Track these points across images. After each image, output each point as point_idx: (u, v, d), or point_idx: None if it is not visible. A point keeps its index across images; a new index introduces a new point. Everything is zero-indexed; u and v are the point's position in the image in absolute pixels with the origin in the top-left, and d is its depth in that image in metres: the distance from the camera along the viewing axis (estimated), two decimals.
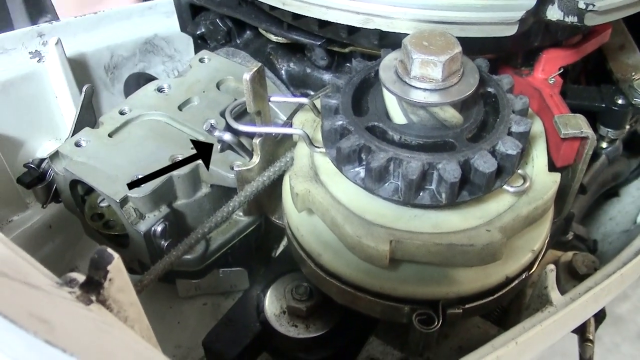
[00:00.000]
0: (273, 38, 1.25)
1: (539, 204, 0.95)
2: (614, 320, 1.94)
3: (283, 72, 1.30)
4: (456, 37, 0.92)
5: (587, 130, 0.99)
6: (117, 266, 0.66)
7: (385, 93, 0.94)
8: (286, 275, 1.12)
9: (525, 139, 0.95)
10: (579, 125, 1.00)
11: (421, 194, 0.91)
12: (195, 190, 1.14)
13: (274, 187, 1.08)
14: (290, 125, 1.06)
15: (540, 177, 0.98)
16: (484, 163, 0.89)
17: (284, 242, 1.27)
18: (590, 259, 1.26)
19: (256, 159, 1.03)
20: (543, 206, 0.96)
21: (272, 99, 1.01)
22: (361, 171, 0.93)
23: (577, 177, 1.05)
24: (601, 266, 1.23)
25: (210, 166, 1.11)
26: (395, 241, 0.90)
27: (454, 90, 0.90)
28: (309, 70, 1.29)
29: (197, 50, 1.46)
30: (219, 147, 1.12)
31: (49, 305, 0.62)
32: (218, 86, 1.27)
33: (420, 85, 0.90)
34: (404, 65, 0.91)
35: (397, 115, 0.94)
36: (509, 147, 0.91)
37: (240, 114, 1.10)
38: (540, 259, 1.03)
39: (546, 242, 1.02)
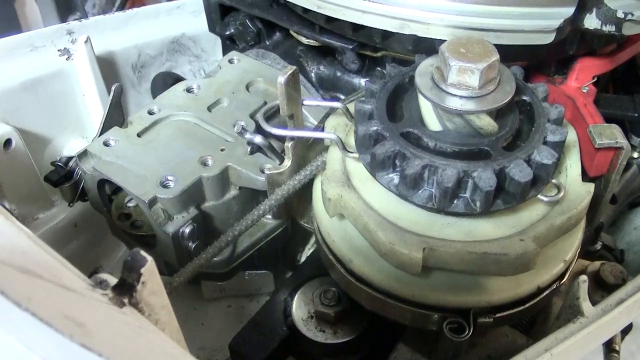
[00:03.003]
0: (304, 41, 1.26)
1: (573, 214, 0.96)
2: None
3: (313, 74, 1.31)
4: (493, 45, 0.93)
5: (622, 141, 1.00)
6: (150, 269, 0.66)
7: (421, 99, 0.94)
8: (314, 280, 1.13)
9: (561, 148, 0.95)
10: (613, 135, 1.01)
11: (455, 201, 0.91)
12: (224, 192, 1.15)
13: (304, 191, 1.08)
14: (322, 129, 1.06)
15: (574, 186, 0.98)
16: (520, 172, 0.89)
17: (309, 246, 1.28)
18: (618, 269, 1.26)
19: (288, 162, 1.04)
20: (576, 216, 0.97)
21: (305, 102, 1.02)
22: (395, 177, 0.94)
23: (610, 187, 1.05)
24: (629, 276, 1.23)
25: (240, 168, 1.12)
26: (429, 249, 0.91)
27: (490, 98, 0.91)
28: (339, 74, 1.30)
29: (225, 51, 1.47)
30: (248, 149, 1.13)
31: (84, 308, 0.63)
32: (247, 88, 1.28)
33: (456, 93, 0.90)
34: (441, 72, 0.92)
35: (432, 122, 0.95)
36: (544, 156, 0.91)
37: (270, 116, 1.11)
38: (571, 269, 1.03)
39: (577, 252, 1.03)
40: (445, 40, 0.94)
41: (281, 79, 0.95)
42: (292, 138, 1.03)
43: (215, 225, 1.18)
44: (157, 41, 1.53)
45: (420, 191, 0.92)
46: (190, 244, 1.13)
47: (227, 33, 1.42)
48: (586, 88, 1.11)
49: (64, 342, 0.55)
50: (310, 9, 1.06)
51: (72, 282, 0.65)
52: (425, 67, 0.96)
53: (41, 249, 0.70)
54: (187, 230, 1.12)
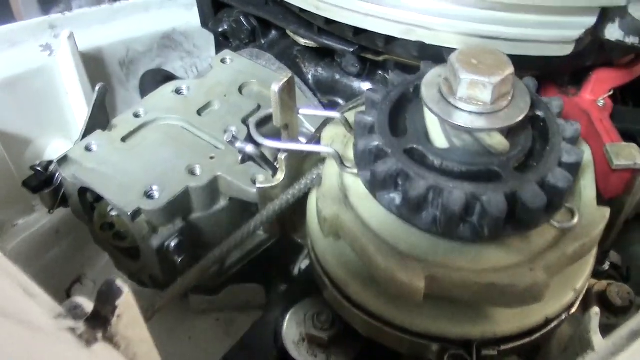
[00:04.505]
0: (301, 41, 1.18)
1: (586, 241, 0.87)
2: None
3: (310, 77, 1.23)
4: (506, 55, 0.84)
5: None
6: (127, 301, 0.60)
7: (427, 113, 0.86)
8: (307, 300, 1.04)
9: (577, 170, 0.87)
10: (632, 155, 0.92)
11: (462, 226, 0.83)
12: (213, 203, 1.07)
13: (298, 205, 1.00)
14: (319, 141, 0.98)
15: (588, 211, 0.90)
16: (533, 197, 0.81)
17: (304, 257, 1.19)
18: (625, 290, 1.18)
19: (281, 175, 0.95)
20: (590, 244, 0.88)
21: (301, 111, 0.93)
22: (397, 198, 0.85)
23: (625, 210, 0.97)
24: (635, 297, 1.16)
25: (230, 178, 1.03)
26: (431, 277, 0.83)
27: (503, 114, 0.83)
28: (338, 77, 1.21)
29: (218, 49, 1.38)
30: (239, 158, 1.04)
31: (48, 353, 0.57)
32: (240, 90, 1.19)
33: (466, 108, 0.82)
34: (449, 85, 0.83)
35: (439, 138, 0.86)
36: (559, 180, 0.83)
37: (263, 121, 1.02)
38: (581, 298, 0.95)
39: (588, 279, 0.95)
40: (454, 49, 0.86)
41: (275, 87, 0.86)
42: (286, 150, 0.95)
43: (203, 237, 1.10)
44: (147, 36, 1.44)
45: (423, 214, 0.84)
46: (176, 257, 1.05)
47: (221, 30, 1.33)
48: (602, 101, 1.02)
49: None
50: (308, 10, 0.97)
51: (39, 317, 0.58)
52: (432, 78, 0.88)
53: (6, 272, 0.64)
54: (173, 244, 1.03)
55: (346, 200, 0.91)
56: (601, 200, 0.97)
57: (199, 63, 1.54)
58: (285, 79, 0.87)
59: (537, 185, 0.82)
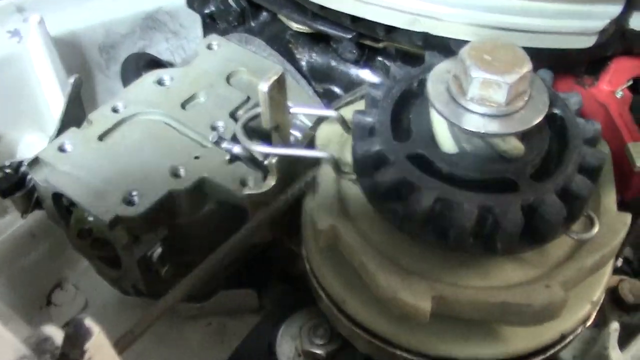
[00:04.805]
0: (294, 26, 1.08)
1: (606, 252, 0.80)
2: None
3: (304, 63, 1.13)
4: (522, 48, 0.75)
5: None
6: (97, 342, 0.54)
7: (434, 115, 0.77)
8: (303, 310, 0.96)
9: (598, 175, 0.79)
10: None
11: (472, 241, 0.75)
12: (199, 206, 0.98)
13: (293, 207, 0.91)
14: (313, 140, 0.89)
15: (608, 218, 0.82)
16: (552, 210, 0.73)
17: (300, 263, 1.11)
18: (637, 287, 1.11)
19: (271, 181, 0.86)
20: (610, 254, 0.81)
21: (293, 110, 0.84)
22: (400, 209, 0.77)
23: None
24: None
25: (217, 181, 0.94)
26: (438, 297, 0.75)
27: (519, 116, 0.74)
28: (334, 63, 1.11)
29: (205, 31, 1.28)
30: (227, 157, 0.95)
31: None
32: (228, 79, 1.09)
33: (478, 110, 0.73)
34: (459, 83, 0.74)
35: (447, 142, 0.77)
36: (581, 188, 0.75)
37: (253, 118, 0.93)
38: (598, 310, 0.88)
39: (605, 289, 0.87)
40: (464, 41, 0.77)
41: (263, 87, 0.77)
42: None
43: (190, 243, 1.01)
44: (128, 17, 1.32)
45: (430, 228, 0.75)
46: (160, 267, 0.97)
47: (207, 12, 1.23)
48: (620, 92, 0.93)
49: None
50: None
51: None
52: (439, 74, 0.78)
53: None
54: (156, 253, 0.95)
55: (344, 210, 0.83)
56: (620, 201, 0.89)
57: (186, 44, 1.43)
58: (275, 77, 0.78)
59: (557, 195, 0.74)
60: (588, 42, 0.79)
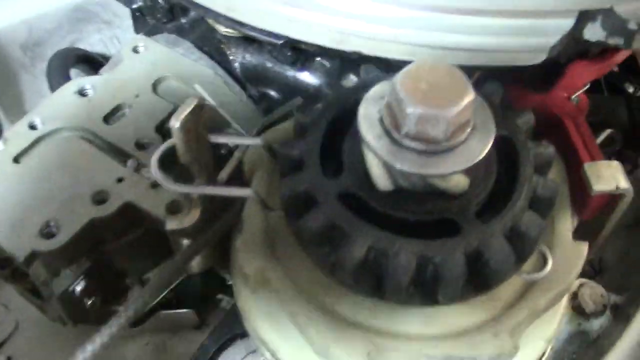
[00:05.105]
0: (222, 30, 0.95)
1: (561, 289, 0.71)
2: None
3: (237, 65, 1.01)
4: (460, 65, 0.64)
5: (625, 186, 0.73)
6: None
7: (366, 150, 0.66)
8: (241, 340, 0.87)
9: (550, 209, 0.69)
10: (614, 179, 0.73)
11: (411, 290, 0.65)
12: (125, 232, 0.87)
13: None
14: (239, 181, 0.78)
15: (562, 249, 0.73)
16: (499, 255, 0.63)
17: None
18: (598, 292, 1.02)
19: (194, 215, 0.76)
20: (565, 290, 0.72)
21: (213, 140, 0.73)
22: (332, 255, 0.67)
23: (602, 235, 0.80)
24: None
25: (142, 206, 0.84)
26: (375, 351, 0.66)
27: (461, 151, 0.63)
28: (269, 65, 0.99)
29: (136, 25, 1.14)
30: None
31: None
32: (155, 87, 0.97)
33: (415, 146, 0.62)
34: (393, 115, 0.63)
35: (381, 179, 0.66)
36: (530, 227, 0.65)
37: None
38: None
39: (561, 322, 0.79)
40: (402, 62, 0.66)
41: (175, 123, 0.66)
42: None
43: (118, 267, 0.91)
44: (54, 11, 1.18)
45: (364, 278, 0.66)
46: (85, 300, 0.87)
47: (135, 6, 1.09)
48: (576, 98, 0.83)
49: None
50: (218, 11, 0.74)
51: None
52: (373, 100, 0.67)
53: None
54: (79, 287, 0.85)
55: (273, 249, 0.73)
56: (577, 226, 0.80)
57: (121, 33, 1.29)
58: (189, 108, 0.67)
59: (505, 236, 0.65)
60: (538, 58, 0.68)
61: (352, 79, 0.91)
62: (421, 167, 0.62)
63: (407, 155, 0.62)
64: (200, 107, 0.68)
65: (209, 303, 1.04)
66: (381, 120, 0.64)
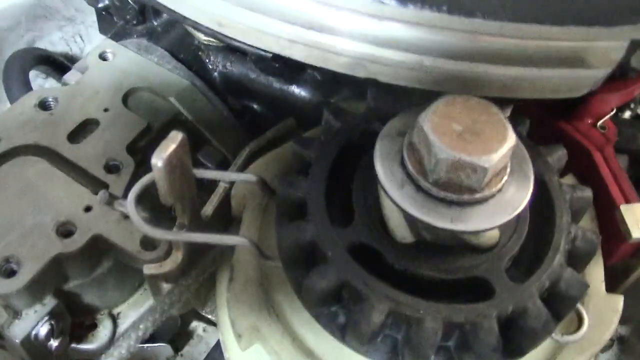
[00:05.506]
0: (203, 38, 0.82)
1: (595, 350, 0.60)
2: None
3: (217, 74, 0.87)
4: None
5: None
6: None
7: (384, 198, 0.55)
8: None
9: (588, 262, 0.59)
10: None
11: (433, 358, 0.54)
12: (93, 267, 0.74)
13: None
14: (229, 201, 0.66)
15: (596, 304, 0.63)
16: (535, 320, 0.53)
17: None
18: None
19: (176, 259, 0.63)
20: (598, 350, 0.62)
21: (198, 175, 0.60)
22: (340, 315, 0.56)
23: (629, 281, 0.70)
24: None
25: (113, 240, 0.71)
26: None
27: (498, 202, 0.52)
28: (252, 75, 0.86)
29: (101, 26, 1.00)
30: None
31: None
32: (126, 100, 0.84)
33: (445, 196, 0.51)
34: (419, 159, 0.51)
35: (400, 230, 0.55)
36: (572, 287, 0.55)
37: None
38: None
39: None
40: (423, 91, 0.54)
41: (158, 162, 0.53)
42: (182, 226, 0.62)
43: (86, 302, 0.78)
44: (9, 7, 1.03)
45: (381, 345, 0.55)
46: (50, 343, 0.74)
47: (101, 5, 0.95)
48: (603, 126, 0.72)
49: None
50: (208, 26, 0.61)
51: None
52: (390, 137, 0.55)
53: None
54: (43, 331, 0.71)
55: (268, 302, 0.61)
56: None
57: (84, 30, 1.14)
58: (173, 145, 0.54)
59: (541, 298, 0.54)
60: (582, 90, 0.57)
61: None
62: (453, 222, 0.50)
63: (435, 206, 0.51)
64: (185, 141, 0.55)
65: (182, 331, 0.92)
66: (402, 164, 0.53)
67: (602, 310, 0.62)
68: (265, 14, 0.54)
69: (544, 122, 0.73)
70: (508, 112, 0.68)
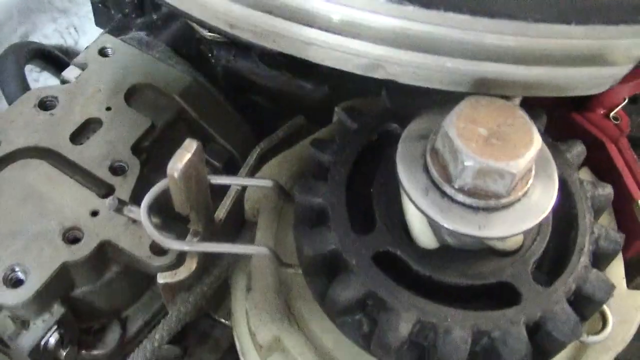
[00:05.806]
0: (206, 35, 0.78)
1: (619, 349, 0.59)
2: None
3: (219, 69, 0.84)
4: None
5: None
6: None
7: (407, 203, 0.52)
8: None
9: (611, 261, 0.57)
10: None
11: None
12: (101, 272, 0.71)
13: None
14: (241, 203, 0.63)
15: (618, 301, 0.60)
16: (564, 325, 0.51)
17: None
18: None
19: (190, 267, 0.60)
20: (623, 347, 0.60)
21: (213, 180, 0.57)
22: (365, 324, 0.53)
23: None
24: None
25: (122, 246, 0.68)
26: None
27: (523, 207, 0.50)
28: (258, 70, 0.83)
29: (97, 19, 0.96)
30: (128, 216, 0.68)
31: None
32: (128, 98, 0.80)
33: (470, 202, 0.48)
34: (444, 164, 0.49)
35: (424, 236, 0.53)
36: (599, 289, 0.53)
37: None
38: None
39: None
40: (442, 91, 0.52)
41: (174, 173, 0.50)
42: (195, 234, 0.60)
43: (94, 308, 0.75)
44: (1, 1, 0.99)
45: (405, 353, 0.53)
46: (60, 352, 0.71)
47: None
48: (616, 117, 0.70)
49: None
50: (220, 27, 0.58)
51: None
52: (411, 142, 0.52)
53: None
54: (52, 340, 0.69)
55: (289, 310, 0.59)
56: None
57: (77, 22, 1.09)
58: (188, 154, 0.51)
59: (568, 301, 0.52)
60: (604, 87, 0.55)
61: None
62: (481, 230, 0.48)
63: (460, 212, 0.49)
64: (200, 149, 0.52)
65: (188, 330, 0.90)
66: (426, 169, 0.50)
67: (624, 308, 0.60)
68: (282, 16, 0.50)
69: (555, 114, 0.70)
70: (517, 101, 0.66)
